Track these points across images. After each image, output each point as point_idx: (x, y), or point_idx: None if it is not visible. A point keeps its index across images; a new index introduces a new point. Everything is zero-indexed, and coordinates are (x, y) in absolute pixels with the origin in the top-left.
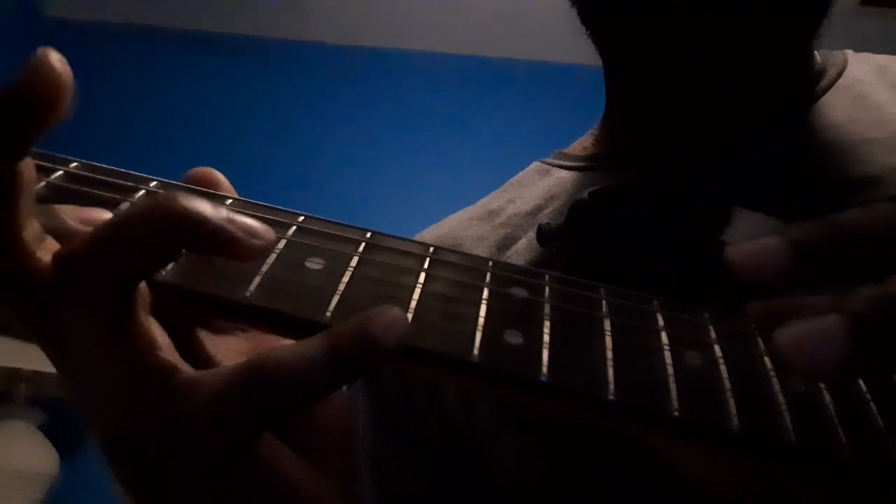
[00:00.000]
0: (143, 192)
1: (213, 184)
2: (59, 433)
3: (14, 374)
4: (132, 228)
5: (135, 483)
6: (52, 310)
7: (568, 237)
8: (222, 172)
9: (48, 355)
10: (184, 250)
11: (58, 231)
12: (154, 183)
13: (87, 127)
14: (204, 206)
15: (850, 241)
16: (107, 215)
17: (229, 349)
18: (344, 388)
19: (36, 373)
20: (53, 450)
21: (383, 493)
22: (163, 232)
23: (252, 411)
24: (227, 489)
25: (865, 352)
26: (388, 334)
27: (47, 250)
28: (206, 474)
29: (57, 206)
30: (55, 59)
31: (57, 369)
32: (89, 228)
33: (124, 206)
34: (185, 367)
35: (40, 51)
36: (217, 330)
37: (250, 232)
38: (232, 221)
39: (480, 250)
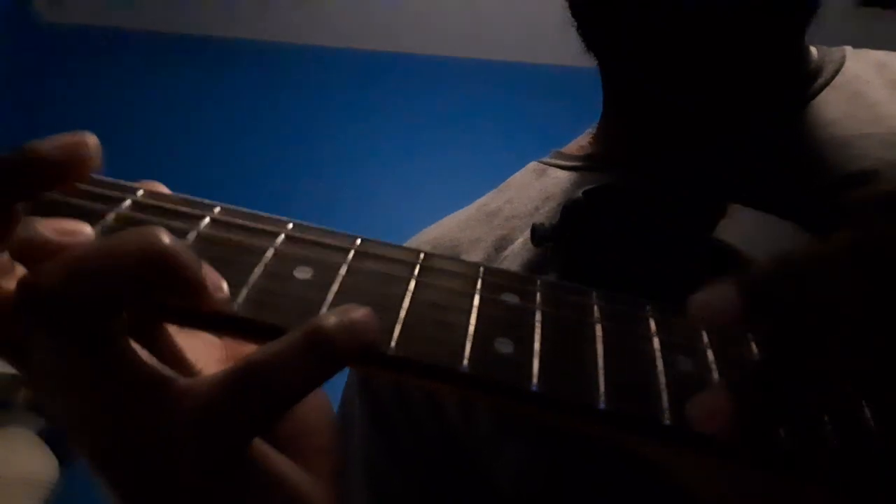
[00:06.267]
0: (129, 202)
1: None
2: (59, 439)
3: (14, 381)
4: (110, 265)
5: (132, 495)
6: (17, 332)
7: (561, 237)
8: (217, 176)
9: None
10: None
11: (31, 243)
12: (141, 192)
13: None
14: (181, 248)
15: (800, 280)
16: (85, 227)
17: (210, 357)
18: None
19: None
20: (53, 456)
21: (380, 501)
22: (144, 273)
23: (246, 413)
24: (226, 494)
25: None
26: (368, 322)
27: (14, 278)
28: (204, 481)
29: (32, 218)
30: (93, 142)
31: (29, 386)
32: (67, 239)
33: (109, 217)
34: (172, 377)
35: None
36: (194, 337)
37: (217, 285)
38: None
39: (477, 252)
